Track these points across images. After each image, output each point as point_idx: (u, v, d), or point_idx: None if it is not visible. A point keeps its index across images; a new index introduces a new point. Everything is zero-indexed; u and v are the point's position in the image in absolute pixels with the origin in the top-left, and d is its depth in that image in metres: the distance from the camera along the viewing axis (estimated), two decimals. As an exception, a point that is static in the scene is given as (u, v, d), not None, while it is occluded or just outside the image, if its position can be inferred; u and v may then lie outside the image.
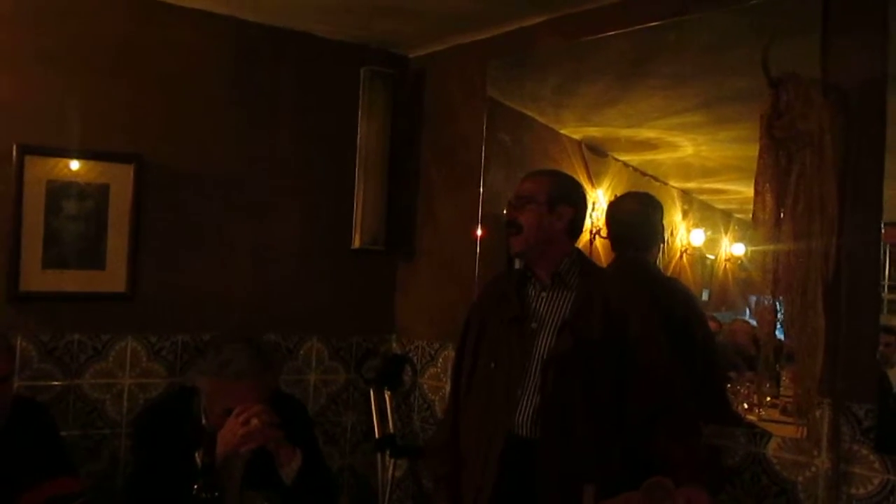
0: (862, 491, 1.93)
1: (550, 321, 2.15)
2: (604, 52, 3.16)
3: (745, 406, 2.31)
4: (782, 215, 1.96)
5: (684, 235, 6.91)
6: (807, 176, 1.94)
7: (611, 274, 2.54)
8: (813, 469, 2.01)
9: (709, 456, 2.15)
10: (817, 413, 1.99)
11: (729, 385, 2.39)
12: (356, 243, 3.43)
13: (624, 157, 6.17)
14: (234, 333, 2.66)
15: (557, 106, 4.45)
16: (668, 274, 2.89)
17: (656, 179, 5.99)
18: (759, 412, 2.24)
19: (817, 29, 2.13)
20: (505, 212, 2.24)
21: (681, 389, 2.06)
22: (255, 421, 2.25)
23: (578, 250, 2.30)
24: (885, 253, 1.91)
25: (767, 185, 1.99)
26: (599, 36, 2.96)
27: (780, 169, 1.98)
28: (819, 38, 2.12)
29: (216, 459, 1.98)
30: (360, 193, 3.42)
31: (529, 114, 4.46)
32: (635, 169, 6.40)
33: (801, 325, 1.91)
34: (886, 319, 1.93)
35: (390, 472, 2.65)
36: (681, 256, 6.45)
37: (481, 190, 3.27)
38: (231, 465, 2.32)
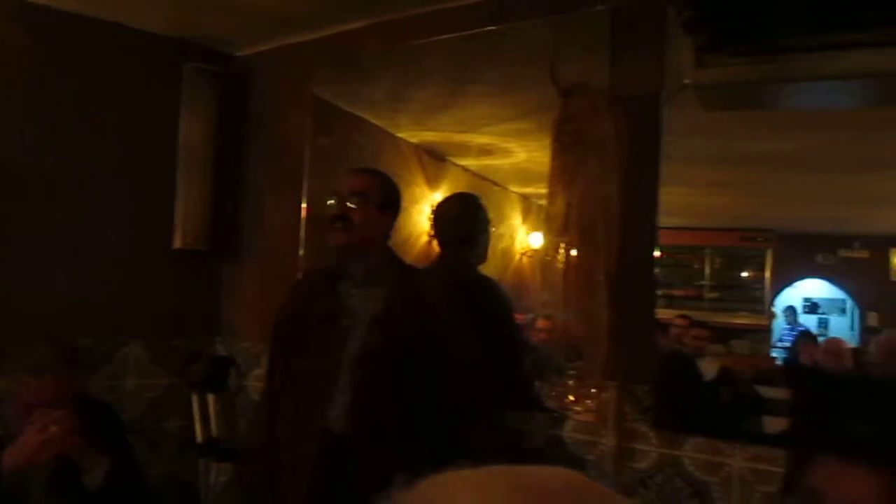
0: (643, 465, 2.13)
1: (362, 318, 2.21)
2: (430, 58, 3.25)
3: (554, 394, 2.48)
4: (570, 215, 2.12)
5: (524, 238, 7.20)
6: (592, 178, 2.11)
7: (425, 271, 2.63)
8: (601, 447, 2.19)
9: (510, 439, 2.29)
10: (604, 395, 2.17)
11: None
12: (177, 244, 3.35)
13: (462, 162, 6.36)
14: (41, 336, 2.54)
15: (393, 110, 4.54)
16: (508, 274, 3.03)
17: (496, 184, 6.23)
18: (564, 399, 2.41)
19: (606, 45, 2.33)
20: (331, 202, 2.23)
21: (486, 380, 2.18)
22: (53, 428, 2.16)
23: (391, 249, 2.37)
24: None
25: (559, 186, 2.14)
26: (422, 41, 3.05)
27: (569, 171, 2.14)
28: (607, 53, 2.32)
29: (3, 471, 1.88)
30: (181, 193, 3.35)
31: (364, 116, 4.52)
32: (475, 174, 6.61)
33: (588, 316, 2.08)
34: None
35: (213, 476, 2.61)
36: (520, 258, 6.73)
37: (305, 191, 3.29)
38: (34, 474, 2.21)
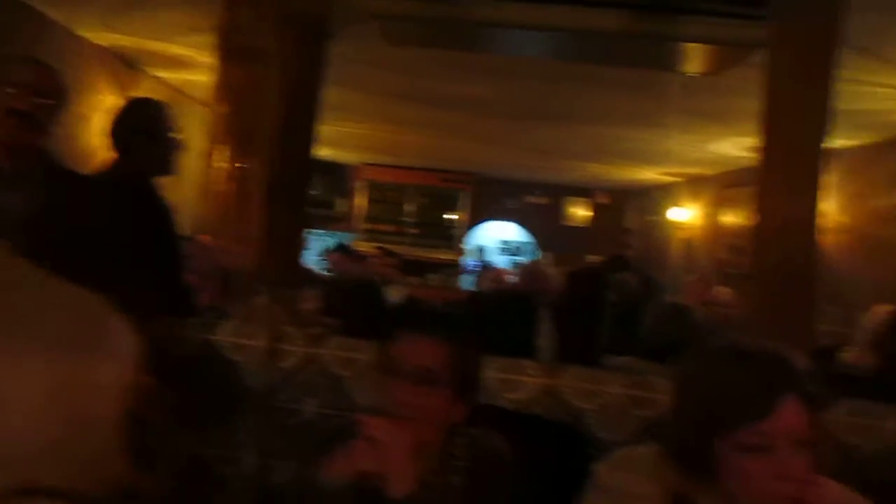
0: (290, 363, 2.27)
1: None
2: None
3: (209, 299, 2.53)
4: (232, 124, 2.16)
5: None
6: (255, 89, 2.16)
7: (82, 175, 2.52)
8: (252, 349, 2.30)
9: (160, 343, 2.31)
10: (258, 299, 2.28)
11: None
12: None
13: (161, 74, 5.98)
14: None
15: (74, 3, 4.13)
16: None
17: (199, 102, 5.95)
18: (218, 304, 2.47)
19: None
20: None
21: (139, 285, 2.17)
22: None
23: (46, 150, 2.25)
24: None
25: (223, 95, 2.16)
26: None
27: (234, 81, 2.17)
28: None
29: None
30: None
31: (36, 6, 4.08)
32: (176, 88, 6.26)
33: (241, 224, 2.15)
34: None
35: None
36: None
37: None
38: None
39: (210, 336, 2.35)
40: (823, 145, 2.02)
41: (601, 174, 9.34)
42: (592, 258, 8.75)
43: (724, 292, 4.39)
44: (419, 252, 9.82)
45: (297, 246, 2.25)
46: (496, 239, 10.78)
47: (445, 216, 10.38)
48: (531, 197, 10.66)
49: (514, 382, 2.09)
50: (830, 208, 5.90)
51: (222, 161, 2.21)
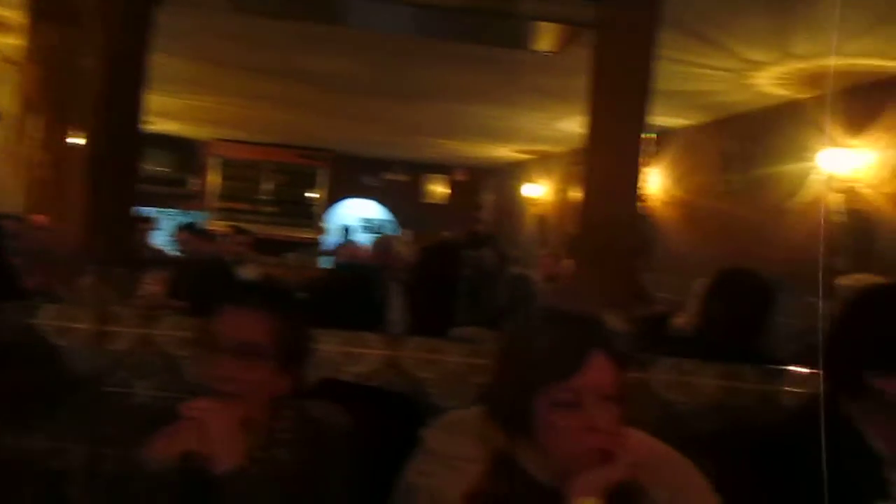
0: (120, 345, 2.16)
1: None
2: None
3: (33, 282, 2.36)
4: (46, 90, 2.01)
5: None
6: (72, 52, 2.02)
7: None
8: (77, 331, 2.16)
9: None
10: (84, 280, 2.14)
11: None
12: None
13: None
14: None
15: None
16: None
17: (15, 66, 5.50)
18: (43, 286, 2.31)
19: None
20: None
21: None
22: None
23: None
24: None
25: (34, 56, 2.01)
26: None
27: (47, 42, 2.02)
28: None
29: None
30: None
31: None
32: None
33: (61, 200, 2.01)
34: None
35: None
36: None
37: None
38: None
39: (31, 320, 2.19)
40: (646, 122, 2.13)
41: (459, 151, 9.48)
42: (450, 235, 8.89)
43: (572, 266, 4.56)
44: (278, 231, 9.62)
45: (129, 224, 2.14)
46: (356, 217, 10.72)
47: (305, 194, 10.20)
48: (390, 174, 10.67)
49: (355, 355, 2.09)
50: (665, 184, 6.28)
51: (38, 131, 2.06)
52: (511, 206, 9.88)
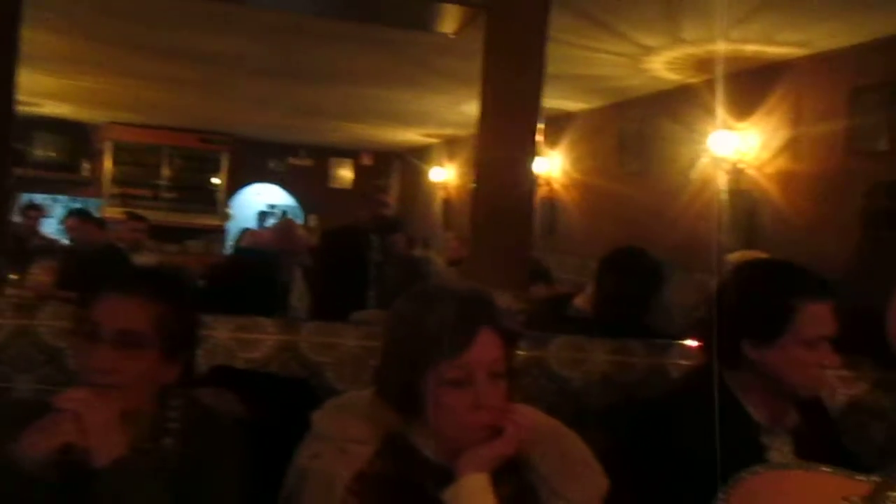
0: (-2, 339, 2.04)
1: None
2: None
3: None
4: None
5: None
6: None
7: None
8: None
9: None
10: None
11: None
12: None
13: None
14: None
15: None
16: None
17: None
18: None
19: None
20: None
21: None
22: None
23: None
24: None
25: None
26: None
27: None
28: None
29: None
30: None
31: None
32: None
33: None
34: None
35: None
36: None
37: None
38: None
39: None
40: (540, 105, 2.16)
41: (365, 135, 9.40)
42: (357, 219, 8.82)
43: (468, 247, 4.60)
44: (179, 217, 9.31)
45: (4, 211, 2.02)
46: (261, 203, 10.49)
47: (208, 180, 9.90)
48: (295, 159, 10.48)
49: (250, 341, 2.04)
50: (566, 167, 6.41)
51: None
52: (418, 190, 9.89)
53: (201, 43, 5.04)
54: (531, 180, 2.13)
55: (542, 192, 6.50)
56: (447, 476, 1.24)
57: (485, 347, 1.22)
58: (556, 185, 6.46)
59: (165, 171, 9.70)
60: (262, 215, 10.07)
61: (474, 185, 2.18)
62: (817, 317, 1.55)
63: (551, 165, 6.49)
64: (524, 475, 1.31)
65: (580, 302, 3.30)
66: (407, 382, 1.25)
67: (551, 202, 6.46)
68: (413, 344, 1.24)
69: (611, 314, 2.51)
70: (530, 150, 2.08)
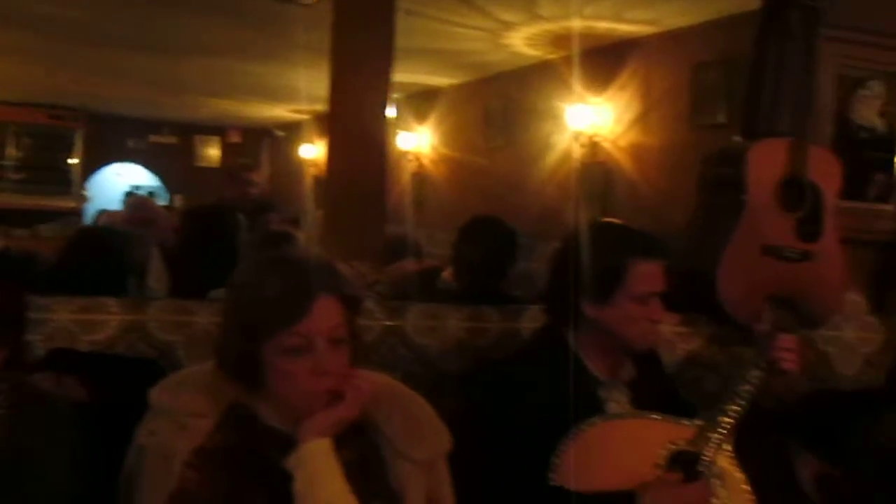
0: None
1: None
2: None
3: None
4: None
5: None
6: None
7: None
8: None
9: None
10: None
11: None
12: None
13: None
14: None
15: None
16: None
17: None
18: None
19: None
20: None
21: None
22: None
23: None
24: None
25: None
26: None
27: None
28: None
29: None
30: None
31: None
32: None
33: None
34: None
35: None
36: None
37: None
38: None
39: None
40: (389, 78, 2.16)
41: (231, 111, 9.11)
42: (223, 198, 8.56)
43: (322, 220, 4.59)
44: (29, 200, 8.71)
45: None
46: (122, 183, 9.97)
47: (63, 159, 9.29)
48: (157, 136, 10.01)
49: (93, 322, 1.96)
50: (434, 142, 6.47)
51: None
52: (289, 168, 9.70)
53: (43, 9, 4.72)
54: (384, 153, 2.14)
55: (411, 167, 6.54)
56: (291, 444, 1.24)
57: (323, 314, 1.22)
58: (425, 161, 6.50)
59: (12, 151, 9.04)
60: (129, 196, 9.57)
61: (326, 158, 2.17)
62: (647, 274, 1.65)
63: (420, 141, 6.53)
64: (369, 438, 1.33)
65: (449, 275, 3.36)
66: (246, 352, 1.23)
67: (421, 177, 6.51)
68: (250, 312, 1.23)
69: (469, 282, 2.57)
70: (381, 123, 2.09)
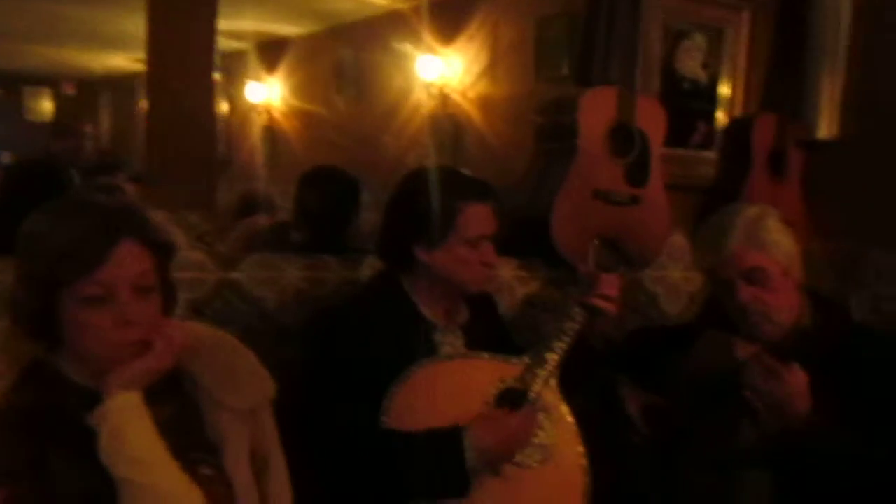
0: None
1: None
2: None
3: None
4: None
5: None
6: None
7: None
8: None
9: None
10: None
11: None
12: None
13: None
14: None
15: None
16: None
17: None
18: None
19: None
20: None
21: None
22: None
23: None
24: None
25: None
26: None
27: None
28: None
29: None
30: None
31: None
32: None
33: None
34: None
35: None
36: None
37: None
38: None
39: None
40: (214, 24, 2.05)
41: (65, 61, 8.45)
42: (52, 152, 7.97)
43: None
44: None
45: None
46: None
47: None
48: (-22, 88, 9.16)
49: None
50: (284, 94, 6.28)
51: None
52: (129, 121, 9.14)
53: None
54: (211, 99, 2.03)
55: (262, 120, 6.32)
56: (98, 400, 1.16)
57: (126, 260, 1.14)
58: (277, 114, 6.30)
59: None
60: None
61: (149, 106, 2.04)
62: (477, 217, 1.66)
63: (270, 93, 6.31)
64: (187, 392, 1.27)
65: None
66: (42, 306, 1.14)
67: (272, 131, 6.31)
68: (44, 262, 1.13)
69: (311, 233, 2.52)
70: (207, 69, 1.98)
